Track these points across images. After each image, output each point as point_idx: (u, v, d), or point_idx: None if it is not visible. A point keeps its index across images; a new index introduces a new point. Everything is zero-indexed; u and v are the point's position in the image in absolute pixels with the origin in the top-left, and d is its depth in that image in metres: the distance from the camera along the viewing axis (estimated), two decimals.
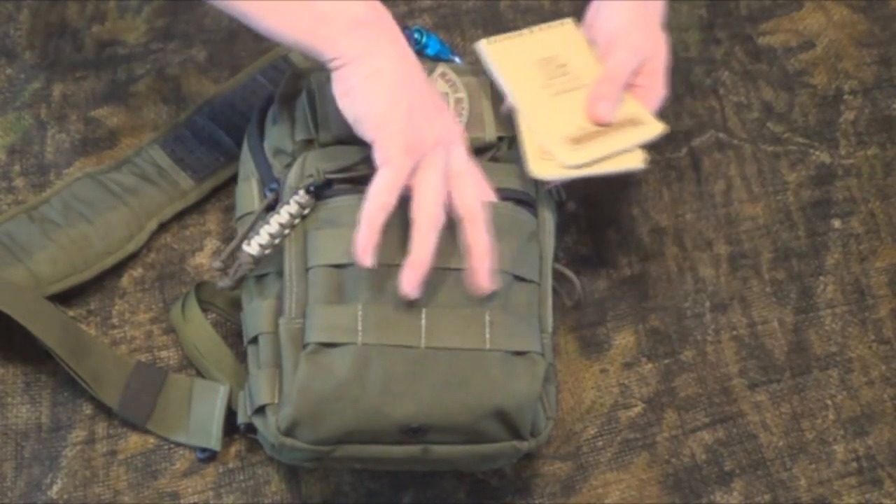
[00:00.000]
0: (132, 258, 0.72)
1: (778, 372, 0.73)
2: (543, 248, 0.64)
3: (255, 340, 0.62)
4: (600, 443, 0.70)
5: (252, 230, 0.63)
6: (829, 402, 0.72)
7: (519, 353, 0.60)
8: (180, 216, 0.73)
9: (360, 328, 0.58)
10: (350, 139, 0.62)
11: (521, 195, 0.64)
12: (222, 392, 0.66)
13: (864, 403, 0.72)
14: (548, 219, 0.65)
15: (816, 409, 0.72)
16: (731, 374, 0.72)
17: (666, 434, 0.70)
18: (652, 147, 0.78)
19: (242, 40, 0.80)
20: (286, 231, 0.62)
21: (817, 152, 0.79)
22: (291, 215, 0.61)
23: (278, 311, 0.61)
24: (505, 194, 0.63)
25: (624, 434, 0.70)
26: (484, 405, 0.58)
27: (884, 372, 0.73)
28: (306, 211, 0.62)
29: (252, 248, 0.62)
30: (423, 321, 0.58)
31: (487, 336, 0.59)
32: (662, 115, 0.79)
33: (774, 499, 0.69)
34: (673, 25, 0.81)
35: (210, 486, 0.67)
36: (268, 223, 0.62)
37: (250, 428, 0.62)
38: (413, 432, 0.58)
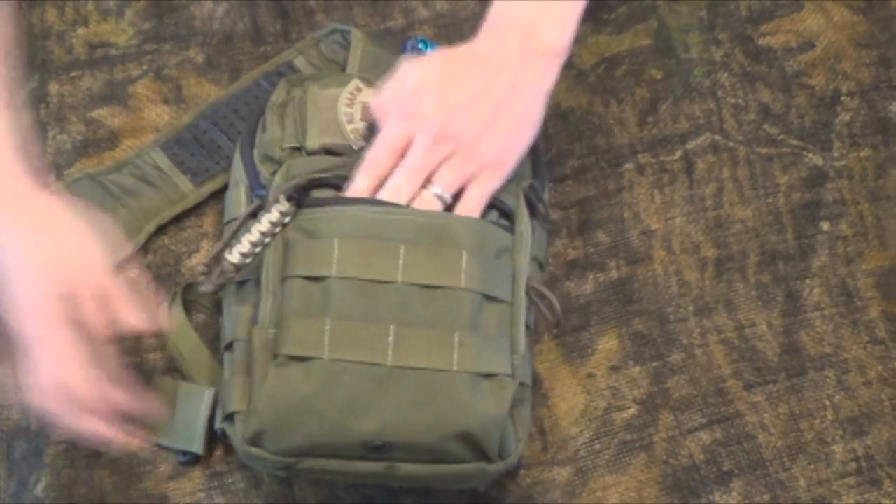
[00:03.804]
0: (129, 259, 0.64)
1: (773, 373, 0.65)
2: (516, 266, 0.57)
3: (230, 346, 0.56)
4: (597, 446, 0.62)
5: (234, 236, 0.56)
6: (826, 402, 0.64)
7: (487, 376, 0.53)
8: (178, 218, 0.66)
9: (327, 343, 0.52)
10: (337, 149, 0.57)
11: (500, 204, 0.57)
12: (207, 396, 0.58)
13: (862, 403, 0.64)
14: (524, 235, 0.57)
15: (814, 409, 0.64)
16: (725, 375, 0.64)
17: (663, 435, 0.63)
18: (647, 150, 0.70)
19: (239, 43, 0.72)
20: (267, 239, 0.55)
21: (810, 154, 0.71)
22: (272, 223, 0.55)
23: (254, 319, 0.55)
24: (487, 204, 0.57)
25: (620, 436, 0.62)
26: (449, 426, 0.52)
27: (881, 372, 0.65)
28: (287, 219, 0.55)
29: (233, 256, 0.56)
30: (391, 339, 0.52)
31: (455, 357, 0.53)
32: (660, 118, 0.71)
33: (773, 499, 0.61)
34: (674, 27, 0.74)
35: (199, 488, 0.59)
36: (249, 231, 0.55)
37: (226, 433, 0.55)
38: (377, 449, 0.52)
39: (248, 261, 0.55)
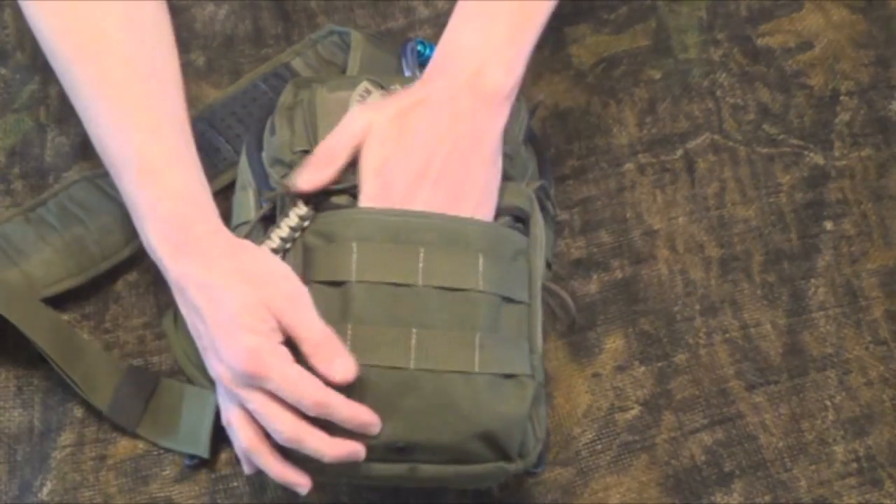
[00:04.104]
0: (127, 261, 0.63)
1: (775, 373, 0.64)
2: (532, 267, 0.56)
3: None
4: (599, 446, 0.62)
5: (249, 240, 0.55)
6: (827, 402, 0.64)
7: (508, 376, 0.53)
8: None
9: (349, 348, 0.51)
10: None
11: (517, 211, 0.56)
12: (213, 399, 0.57)
13: (863, 404, 0.64)
14: (539, 237, 0.57)
15: (816, 409, 0.64)
16: (728, 376, 0.64)
17: (665, 436, 0.62)
18: (647, 150, 0.70)
19: (240, 46, 0.71)
20: (287, 245, 0.54)
21: (811, 154, 0.71)
22: (292, 228, 0.54)
23: None
24: (499, 210, 0.56)
25: (622, 437, 0.62)
26: (471, 427, 0.52)
27: (882, 372, 0.65)
28: (306, 223, 0.54)
29: None
30: (414, 342, 0.51)
31: (477, 359, 0.52)
32: (659, 118, 0.70)
33: (775, 499, 0.61)
34: (672, 27, 0.73)
35: (205, 491, 0.59)
36: (269, 238, 0.54)
37: None
38: (399, 451, 0.51)
39: None
